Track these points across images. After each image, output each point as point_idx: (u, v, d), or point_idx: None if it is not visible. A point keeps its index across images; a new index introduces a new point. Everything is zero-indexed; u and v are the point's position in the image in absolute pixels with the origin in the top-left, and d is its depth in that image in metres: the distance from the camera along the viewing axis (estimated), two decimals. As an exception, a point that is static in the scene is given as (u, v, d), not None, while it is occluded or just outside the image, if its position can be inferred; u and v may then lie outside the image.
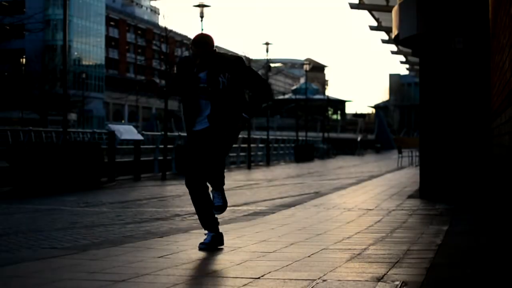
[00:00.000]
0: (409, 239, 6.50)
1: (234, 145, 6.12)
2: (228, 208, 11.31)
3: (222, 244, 5.84)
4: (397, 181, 18.08)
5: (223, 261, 5.17)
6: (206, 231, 5.86)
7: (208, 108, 5.75)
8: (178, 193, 15.25)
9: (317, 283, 4.24)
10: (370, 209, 9.83)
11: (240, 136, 36.32)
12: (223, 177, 5.93)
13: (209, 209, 5.82)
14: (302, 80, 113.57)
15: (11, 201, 13.51)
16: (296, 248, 5.85)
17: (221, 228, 7.20)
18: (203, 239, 5.84)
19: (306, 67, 56.38)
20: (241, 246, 5.87)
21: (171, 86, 6.00)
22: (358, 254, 5.49)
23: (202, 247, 5.74)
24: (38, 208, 11.79)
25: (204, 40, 5.77)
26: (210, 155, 5.75)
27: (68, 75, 60.54)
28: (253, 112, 5.82)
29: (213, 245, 5.75)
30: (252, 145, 34.68)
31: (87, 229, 8.58)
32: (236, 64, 5.78)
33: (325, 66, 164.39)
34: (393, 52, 23.71)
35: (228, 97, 5.73)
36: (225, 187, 5.91)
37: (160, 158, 23.40)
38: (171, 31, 28.04)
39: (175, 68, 6.10)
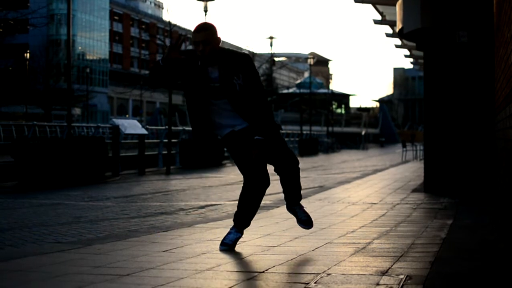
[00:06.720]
0: (414, 233, 6.50)
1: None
2: (231, 202, 11.32)
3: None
4: (401, 175, 18.07)
5: (228, 255, 5.17)
6: (231, 230, 5.48)
7: (227, 111, 5.30)
8: (182, 187, 15.27)
9: (322, 277, 4.24)
10: (374, 203, 9.83)
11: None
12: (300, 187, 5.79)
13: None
14: (306, 74, 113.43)
15: (15, 195, 13.53)
16: (301, 242, 5.85)
17: (226, 223, 7.22)
18: (221, 237, 5.59)
19: (310, 61, 56.37)
20: (245, 240, 5.86)
21: (162, 72, 5.28)
22: (363, 248, 5.49)
23: (224, 248, 5.40)
24: (42, 203, 11.81)
25: (206, 26, 5.24)
26: (282, 151, 5.52)
27: (72, 70, 60.70)
28: (266, 131, 5.28)
29: (234, 246, 5.46)
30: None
31: (91, 223, 8.60)
32: (246, 62, 5.30)
33: (329, 60, 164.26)
34: (397, 46, 23.66)
35: (246, 99, 5.27)
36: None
37: (165, 152, 23.42)
38: (175, 25, 27.97)
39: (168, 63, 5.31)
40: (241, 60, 5.30)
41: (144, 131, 22.27)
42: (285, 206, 6.07)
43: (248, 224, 5.55)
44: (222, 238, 5.54)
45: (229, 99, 5.28)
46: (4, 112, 60.58)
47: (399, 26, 13.25)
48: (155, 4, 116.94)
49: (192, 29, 5.35)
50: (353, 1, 16.75)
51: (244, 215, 5.49)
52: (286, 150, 5.58)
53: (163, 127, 27.65)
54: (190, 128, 5.46)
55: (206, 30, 5.20)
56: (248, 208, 5.46)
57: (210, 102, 5.33)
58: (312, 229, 6.38)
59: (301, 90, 78.21)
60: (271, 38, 41.61)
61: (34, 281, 4.16)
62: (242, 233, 5.54)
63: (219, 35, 5.29)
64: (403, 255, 5.12)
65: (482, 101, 11.46)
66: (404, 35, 13.11)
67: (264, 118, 5.30)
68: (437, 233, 6.49)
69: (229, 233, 5.51)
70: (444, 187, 11.64)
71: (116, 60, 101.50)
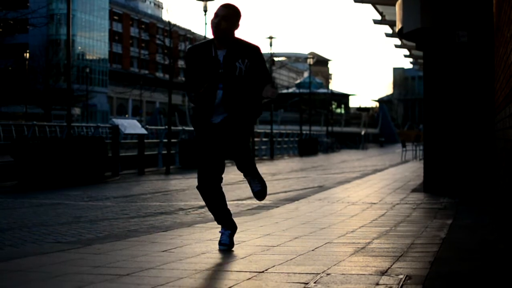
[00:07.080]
0: (413, 233, 6.50)
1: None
2: (231, 202, 11.30)
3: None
4: (401, 175, 18.07)
5: (227, 255, 5.17)
6: (221, 230, 5.47)
7: (219, 105, 5.28)
8: (182, 187, 15.26)
9: (321, 277, 4.24)
10: (374, 203, 9.83)
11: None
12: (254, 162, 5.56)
13: (225, 204, 5.43)
14: (306, 74, 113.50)
15: (15, 195, 13.53)
16: (300, 242, 5.85)
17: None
18: (219, 237, 5.54)
19: (310, 61, 56.41)
20: (245, 240, 5.87)
21: (188, 82, 5.36)
22: (362, 248, 5.49)
23: (224, 248, 5.39)
24: (42, 203, 11.81)
25: (233, 7, 5.33)
26: (240, 144, 5.30)
27: (72, 70, 60.67)
28: (258, 112, 5.37)
29: (232, 243, 5.45)
30: (255, 139, 34.72)
31: (91, 223, 8.60)
32: (256, 52, 5.34)
33: (329, 60, 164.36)
34: (397, 46, 23.65)
35: (244, 86, 5.26)
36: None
37: (164, 152, 23.43)
38: (174, 25, 27.96)
39: (185, 60, 5.46)
40: (250, 47, 5.35)
41: (143, 131, 22.28)
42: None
43: (228, 214, 5.44)
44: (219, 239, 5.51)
45: (224, 85, 5.24)
46: (4, 112, 60.61)
47: (398, 26, 13.24)
48: (154, 4, 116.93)
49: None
50: (353, 1, 16.74)
51: (214, 210, 5.43)
52: (246, 148, 5.38)
53: (163, 127, 27.65)
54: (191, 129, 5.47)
55: (231, 10, 5.30)
56: (211, 203, 5.39)
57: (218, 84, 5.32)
58: (312, 229, 6.39)
59: (301, 90, 78.24)
60: (270, 38, 41.60)
61: (34, 281, 4.16)
62: (232, 229, 5.45)
63: (240, 23, 5.36)
64: (402, 255, 5.12)
65: (482, 101, 11.46)
66: (404, 35, 13.11)
67: (256, 102, 5.30)
68: (436, 233, 6.49)
69: (221, 234, 5.48)
70: (444, 187, 11.64)
71: (115, 60, 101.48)
